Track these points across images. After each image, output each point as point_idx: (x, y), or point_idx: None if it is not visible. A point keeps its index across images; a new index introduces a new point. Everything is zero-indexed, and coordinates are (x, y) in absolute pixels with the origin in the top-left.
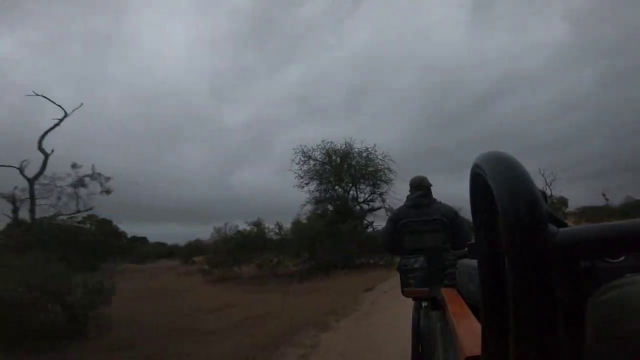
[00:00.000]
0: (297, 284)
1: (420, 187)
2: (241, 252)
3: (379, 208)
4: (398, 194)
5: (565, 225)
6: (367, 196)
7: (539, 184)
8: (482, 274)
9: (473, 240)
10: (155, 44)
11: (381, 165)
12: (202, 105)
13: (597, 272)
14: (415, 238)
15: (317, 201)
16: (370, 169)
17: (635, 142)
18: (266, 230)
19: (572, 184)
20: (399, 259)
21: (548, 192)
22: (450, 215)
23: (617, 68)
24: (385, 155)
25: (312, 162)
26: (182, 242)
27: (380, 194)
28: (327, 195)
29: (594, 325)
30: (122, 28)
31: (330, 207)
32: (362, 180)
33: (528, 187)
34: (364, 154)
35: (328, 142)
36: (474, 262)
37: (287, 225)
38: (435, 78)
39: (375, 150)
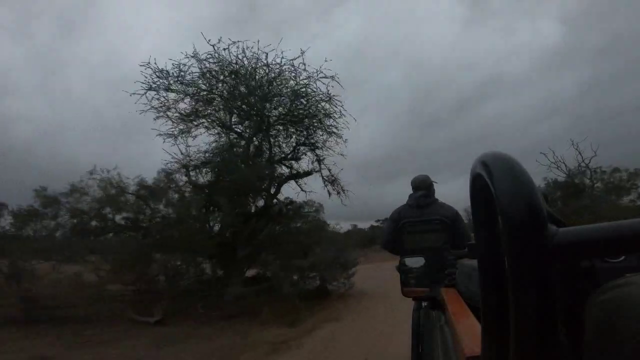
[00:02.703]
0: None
1: (422, 186)
2: None
3: (310, 172)
4: (349, 143)
5: (565, 225)
6: (289, 151)
7: (574, 158)
8: (482, 274)
9: (473, 241)
10: (131, 26)
11: (316, 95)
12: None
13: (597, 272)
14: (415, 238)
15: (195, 166)
16: (300, 110)
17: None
18: None
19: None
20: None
21: (588, 173)
22: (451, 216)
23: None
24: (325, 75)
25: (176, 86)
26: None
27: (314, 147)
28: (216, 150)
29: (594, 325)
30: (96, 8)
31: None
32: (287, 125)
33: (528, 187)
34: (286, 74)
35: (211, 55)
36: (474, 262)
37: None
38: (424, 76)
39: (305, 65)
